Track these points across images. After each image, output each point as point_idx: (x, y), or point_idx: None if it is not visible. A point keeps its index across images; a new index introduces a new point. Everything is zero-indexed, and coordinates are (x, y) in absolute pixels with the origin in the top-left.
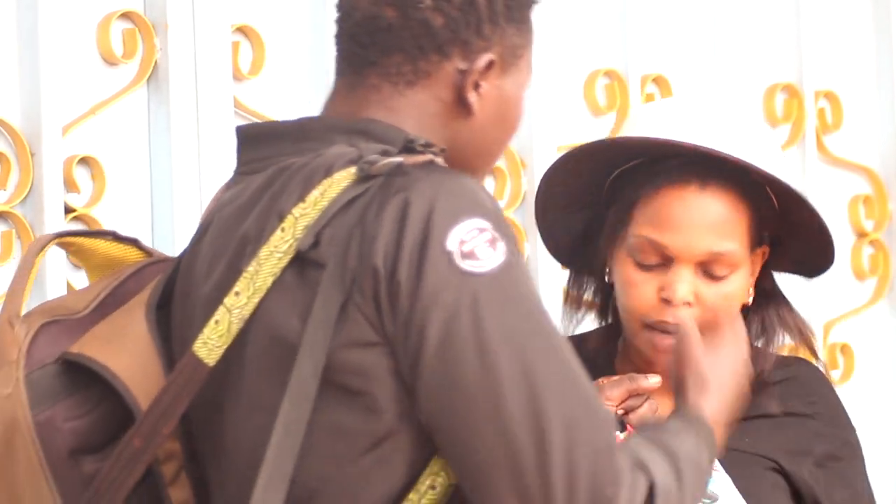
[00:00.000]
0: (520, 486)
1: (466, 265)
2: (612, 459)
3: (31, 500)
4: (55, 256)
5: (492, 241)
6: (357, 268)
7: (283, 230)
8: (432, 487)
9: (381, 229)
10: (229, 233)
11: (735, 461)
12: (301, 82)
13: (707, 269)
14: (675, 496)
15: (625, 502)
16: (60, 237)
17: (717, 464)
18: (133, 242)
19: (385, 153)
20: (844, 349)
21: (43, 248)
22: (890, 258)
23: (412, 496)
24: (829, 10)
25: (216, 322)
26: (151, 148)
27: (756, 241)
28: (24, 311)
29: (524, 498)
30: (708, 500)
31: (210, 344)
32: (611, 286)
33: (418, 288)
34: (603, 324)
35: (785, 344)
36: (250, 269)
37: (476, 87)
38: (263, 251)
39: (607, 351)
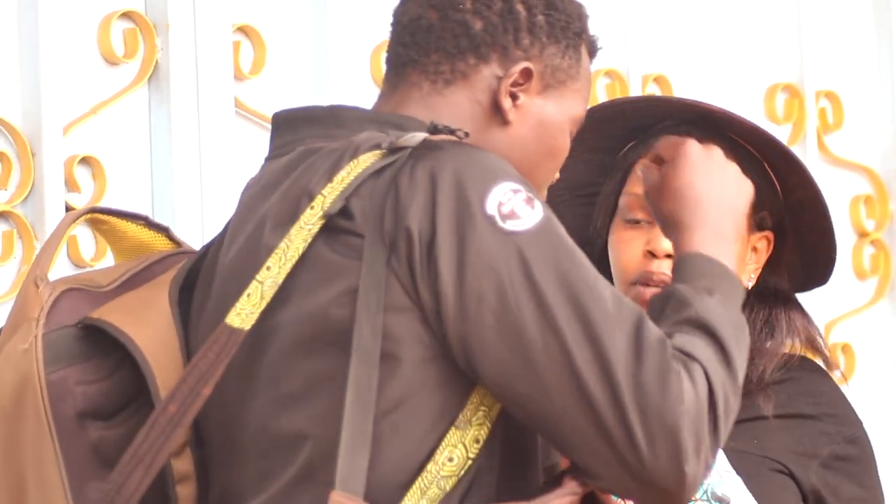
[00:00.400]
0: (599, 424)
1: (509, 225)
2: (669, 377)
3: (35, 456)
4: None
5: (528, 199)
6: (393, 231)
7: (312, 208)
8: (450, 459)
9: (415, 195)
10: (250, 212)
11: (743, 463)
12: (302, 82)
13: None
14: (725, 374)
15: (691, 407)
16: (94, 212)
17: (728, 465)
18: (164, 231)
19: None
20: (846, 349)
21: (77, 218)
22: (891, 258)
23: (430, 467)
24: (830, 11)
25: (248, 295)
26: (152, 148)
27: (754, 221)
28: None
29: (606, 435)
30: (719, 503)
31: (244, 314)
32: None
33: (465, 254)
34: None
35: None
36: (282, 245)
37: (514, 97)
38: (294, 228)
39: None
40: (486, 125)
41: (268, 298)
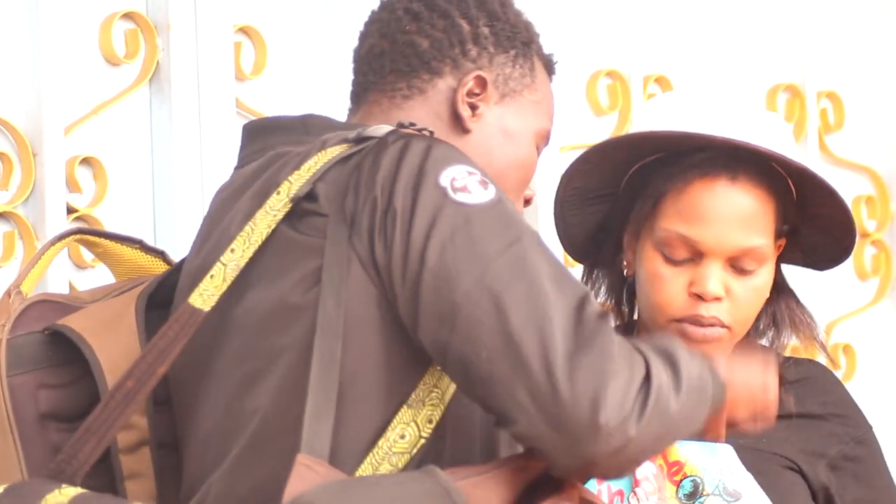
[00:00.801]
0: (523, 366)
1: (459, 197)
2: (603, 339)
3: None
4: (60, 258)
5: (482, 181)
6: (353, 207)
7: (278, 193)
8: (401, 437)
9: (381, 167)
10: (220, 214)
11: (754, 460)
12: (303, 83)
13: (736, 263)
14: (669, 393)
15: (621, 370)
16: (83, 233)
17: (738, 462)
18: (160, 255)
19: None
20: (847, 349)
21: (63, 238)
22: (892, 258)
23: (381, 442)
24: (832, 11)
25: (211, 276)
26: (153, 148)
27: (779, 234)
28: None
29: (526, 374)
30: (731, 499)
31: (206, 294)
32: (625, 280)
33: (413, 216)
34: (618, 322)
35: (792, 344)
36: (246, 228)
37: (472, 108)
38: (259, 213)
39: None
40: (447, 136)
41: (229, 280)
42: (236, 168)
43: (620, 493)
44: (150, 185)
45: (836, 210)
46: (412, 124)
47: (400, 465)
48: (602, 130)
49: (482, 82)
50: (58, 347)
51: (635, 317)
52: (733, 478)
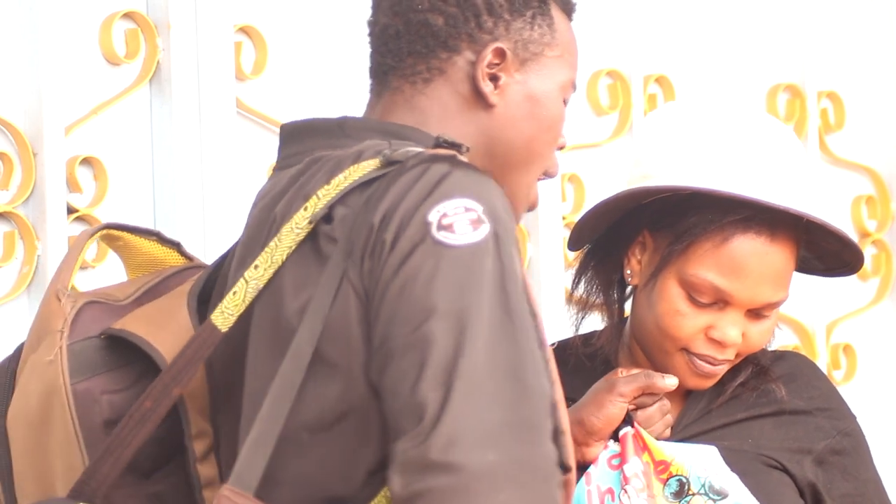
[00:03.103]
0: (416, 404)
1: (440, 235)
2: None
3: (64, 464)
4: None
5: (475, 221)
6: (356, 234)
7: (305, 209)
8: None
9: (388, 194)
10: (262, 222)
11: (739, 460)
12: (303, 82)
13: (757, 311)
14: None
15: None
16: (109, 228)
17: (723, 463)
18: (176, 246)
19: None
20: (847, 349)
21: (95, 234)
22: (893, 258)
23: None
24: (832, 11)
25: (234, 293)
26: (154, 148)
27: None
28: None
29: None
30: (717, 497)
31: (226, 313)
32: (621, 283)
33: (393, 249)
34: (606, 322)
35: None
36: (271, 244)
37: (493, 79)
38: (285, 228)
39: (614, 349)
40: (473, 113)
41: (248, 301)
42: (276, 169)
43: (610, 491)
44: (151, 185)
45: (847, 253)
46: (451, 143)
47: None
48: (602, 130)
49: (501, 53)
50: (114, 351)
51: (626, 314)
52: (719, 477)
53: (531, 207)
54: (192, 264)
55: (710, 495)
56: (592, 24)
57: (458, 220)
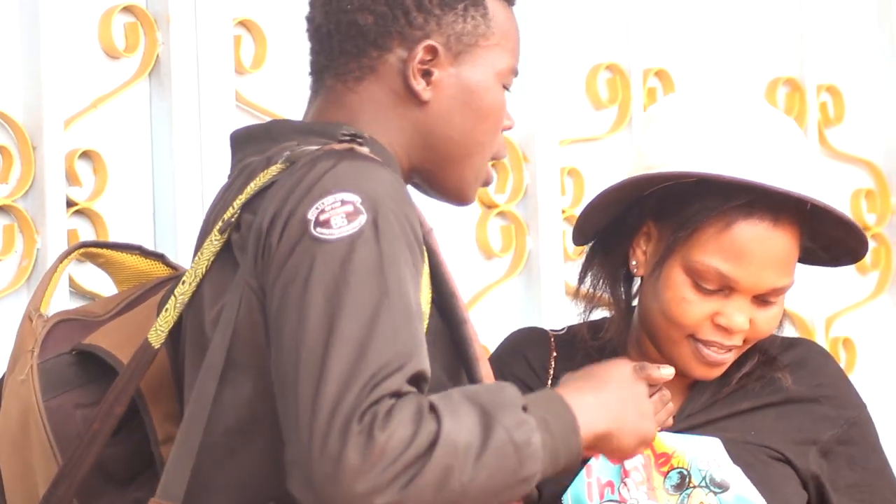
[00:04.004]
0: (297, 444)
1: (317, 232)
2: (385, 408)
3: (43, 475)
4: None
5: (351, 213)
6: (252, 239)
7: (223, 220)
8: None
9: (275, 197)
10: (202, 235)
11: (742, 453)
12: (303, 76)
13: (763, 297)
14: (467, 454)
15: (396, 442)
16: (87, 247)
17: (725, 455)
18: (159, 258)
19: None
20: (846, 343)
21: (70, 254)
22: (892, 252)
23: None
24: (832, 4)
25: (166, 310)
26: (153, 142)
27: None
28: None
29: (296, 430)
30: (718, 490)
31: (159, 330)
32: (627, 275)
33: (276, 252)
34: (615, 314)
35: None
36: (196, 259)
37: (426, 75)
38: (206, 243)
39: (622, 342)
40: (407, 109)
41: (175, 316)
42: (227, 177)
43: (610, 483)
44: (150, 179)
45: (852, 239)
46: (351, 135)
47: None
48: (602, 124)
49: (432, 50)
50: (86, 366)
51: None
52: (721, 470)
53: (486, 183)
54: (175, 274)
55: (712, 488)
56: (591, 19)
57: (334, 214)
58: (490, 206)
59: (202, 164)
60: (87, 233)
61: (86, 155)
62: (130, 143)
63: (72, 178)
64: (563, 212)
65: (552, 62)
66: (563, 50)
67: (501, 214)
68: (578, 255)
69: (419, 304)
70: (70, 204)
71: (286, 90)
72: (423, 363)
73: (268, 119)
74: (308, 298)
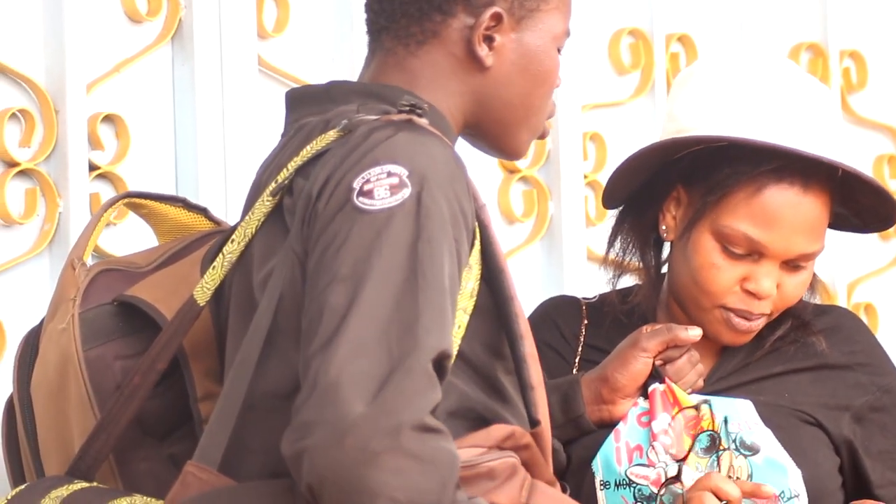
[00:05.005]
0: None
1: (359, 201)
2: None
3: (79, 426)
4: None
5: (396, 185)
6: (301, 205)
7: (276, 181)
8: None
9: (327, 164)
10: (253, 193)
11: (774, 415)
12: (325, 40)
13: (792, 263)
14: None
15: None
16: (131, 197)
17: (757, 418)
18: (202, 211)
19: (385, 113)
20: (868, 309)
21: (113, 203)
22: None
23: None
24: None
25: (213, 268)
26: (176, 106)
27: None
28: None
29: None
30: (748, 452)
31: (205, 287)
32: (657, 240)
33: (320, 218)
34: (644, 280)
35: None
36: (246, 218)
37: (489, 40)
38: (257, 202)
39: (651, 306)
40: (467, 75)
41: (222, 274)
42: (281, 137)
43: (639, 447)
44: (172, 143)
45: (882, 206)
46: (412, 104)
47: None
48: (624, 89)
49: (497, 16)
50: (128, 317)
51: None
52: (751, 432)
53: (542, 136)
54: (219, 228)
55: (742, 451)
56: None
57: (378, 185)
58: (512, 171)
59: (224, 128)
60: (109, 197)
61: (108, 119)
62: (153, 107)
63: (94, 142)
64: (586, 177)
65: (575, 27)
66: (585, 15)
67: (523, 179)
68: (600, 221)
69: (456, 284)
70: (92, 168)
71: (308, 54)
72: (445, 342)
73: (291, 83)
74: (338, 263)
